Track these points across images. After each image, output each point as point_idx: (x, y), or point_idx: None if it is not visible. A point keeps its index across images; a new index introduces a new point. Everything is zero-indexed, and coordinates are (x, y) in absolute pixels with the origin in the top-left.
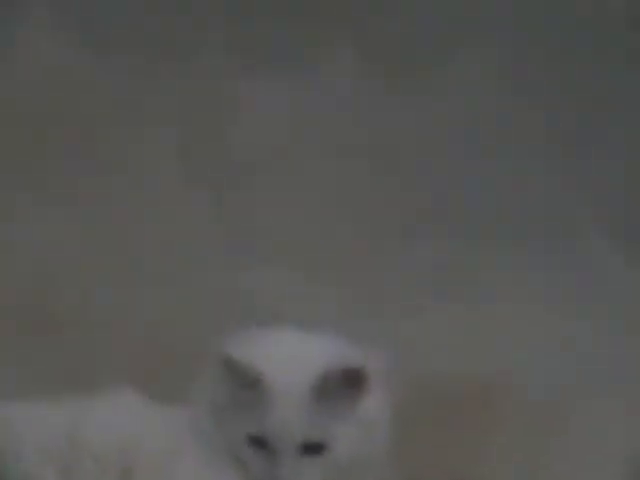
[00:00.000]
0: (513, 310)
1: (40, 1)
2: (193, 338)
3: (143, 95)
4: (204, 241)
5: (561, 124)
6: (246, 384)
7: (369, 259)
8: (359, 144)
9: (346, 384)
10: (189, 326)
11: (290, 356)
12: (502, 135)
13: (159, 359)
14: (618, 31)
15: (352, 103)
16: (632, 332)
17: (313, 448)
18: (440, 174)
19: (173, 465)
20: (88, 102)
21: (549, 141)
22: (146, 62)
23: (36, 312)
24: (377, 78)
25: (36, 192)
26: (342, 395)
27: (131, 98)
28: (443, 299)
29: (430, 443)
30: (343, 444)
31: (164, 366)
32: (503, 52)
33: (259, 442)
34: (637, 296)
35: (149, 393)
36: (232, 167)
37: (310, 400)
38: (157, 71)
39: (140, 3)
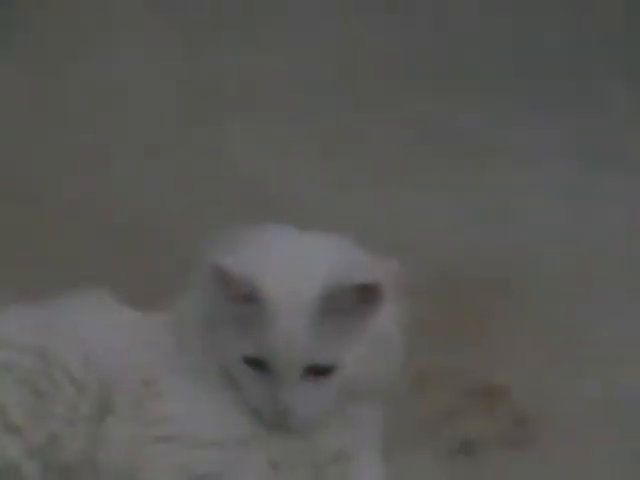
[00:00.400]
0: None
1: None
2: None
3: None
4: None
5: None
6: (242, 298)
7: (355, 117)
8: None
9: (358, 300)
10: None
11: (293, 265)
12: None
13: (141, 249)
14: None
15: None
16: None
17: (319, 371)
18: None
19: (159, 390)
20: None
21: None
22: None
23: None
24: None
25: None
26: (352, 311)
27: None
28: (445, 167)
29: (442, 338)
30: (353, 365)
31: (146, 259)
32: None
33: (257, 363)
34: None
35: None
36: None
37: (316, 316)
38: None
39: None
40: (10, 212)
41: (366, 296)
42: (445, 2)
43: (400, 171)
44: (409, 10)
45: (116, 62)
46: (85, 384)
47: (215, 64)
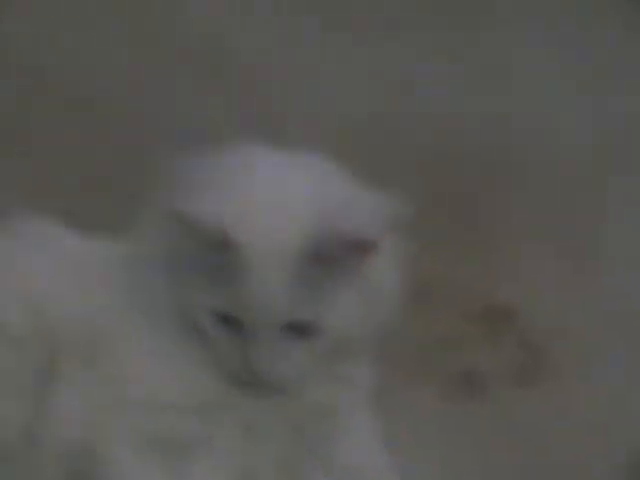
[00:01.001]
0: None
1: None
2: None
3: None
4: None
5: None
6: (211, 246)
7: None
8: None
9: (347, 251)
10: None
11: (269, 204)
12: None
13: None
14: None
15: None
16: None
17: (300, 328)
18: None
19: (114, 344)
20: None
21: None
22: None
23: None
24: None
25: None
26: (340, 262)
27: None
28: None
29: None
30: (338, 323)
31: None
32: None
33: (229, 318)
34: None
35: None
36: None
37: (298, 268)
38: None
39: None
40: None
41: (359, 250)
42: None
43: (382, 26)
44: None
45: None
46: (24, 343)
47: None
